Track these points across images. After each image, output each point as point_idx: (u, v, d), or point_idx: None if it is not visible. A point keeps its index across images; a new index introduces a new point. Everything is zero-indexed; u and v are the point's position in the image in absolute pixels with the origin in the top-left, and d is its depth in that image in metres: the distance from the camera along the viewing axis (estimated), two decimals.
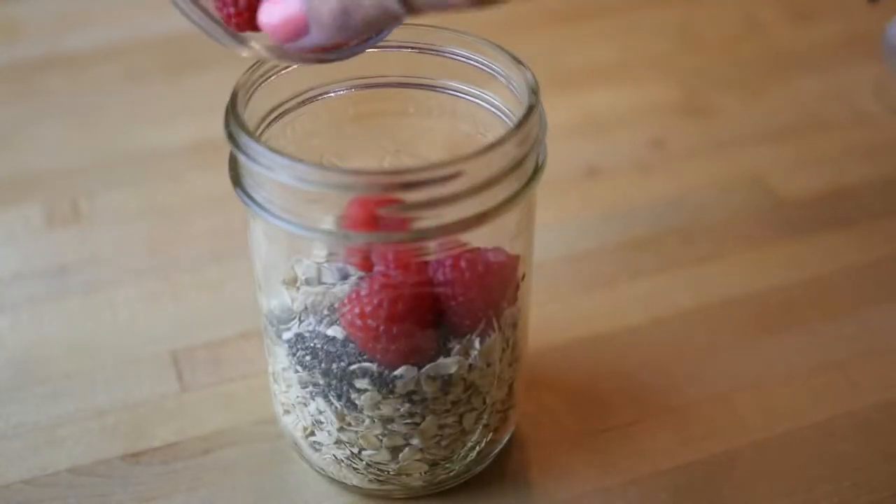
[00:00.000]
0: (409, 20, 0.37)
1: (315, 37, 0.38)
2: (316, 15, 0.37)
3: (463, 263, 0.46)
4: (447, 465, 0.51)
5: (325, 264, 0.49)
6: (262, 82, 0.48)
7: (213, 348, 0.60)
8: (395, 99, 0.51)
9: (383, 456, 0.50)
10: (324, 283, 0.48)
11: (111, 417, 0.56)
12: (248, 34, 0.43)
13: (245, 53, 0.43)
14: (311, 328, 0.48)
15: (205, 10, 0.42)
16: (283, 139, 0.50)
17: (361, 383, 0.47)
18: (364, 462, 0.50)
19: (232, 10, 0.42)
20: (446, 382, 0.48)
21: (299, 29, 0.37)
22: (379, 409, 0.48)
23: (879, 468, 0.54)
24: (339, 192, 0.43)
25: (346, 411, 0.48)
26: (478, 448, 0.51)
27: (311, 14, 0.37)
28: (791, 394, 0.58)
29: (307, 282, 0.49)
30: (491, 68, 0.49)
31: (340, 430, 0.49)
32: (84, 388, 0.58)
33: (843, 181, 0.72)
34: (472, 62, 0.49)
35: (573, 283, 0.64)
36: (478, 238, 0.46)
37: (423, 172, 0.43)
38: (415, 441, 0.49)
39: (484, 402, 0.50)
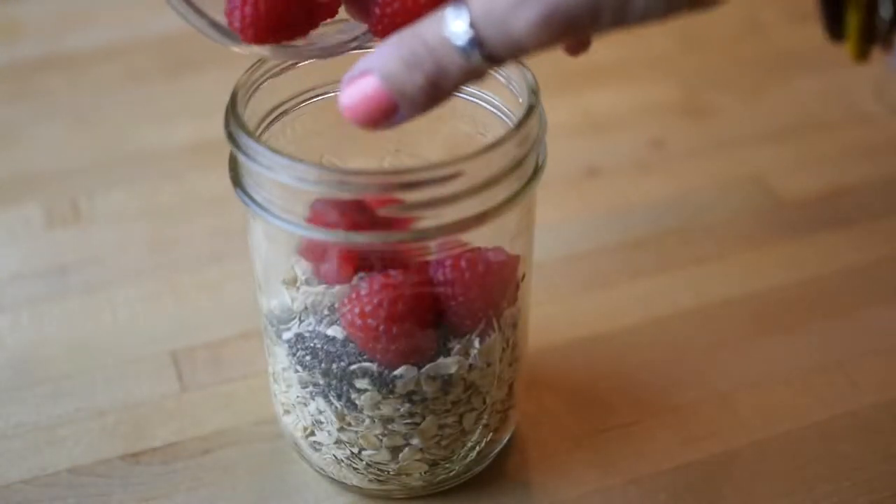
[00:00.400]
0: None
1: (406, 114, 0.37)
2: (403, 93, 0.36)
3: (463, 263, 0.46)
4: (447, 465, 0.51)
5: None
6: (262, 82, 0.48)
7: (213, 348, 0.60)
8: None
9: (383, 456, 0.50)
10: (324, 283, 0.48)
11: (111, 417, 0.56)
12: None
13: (238, 49, 0.43)
14: (311, 328, 0.48)
15: (197, 9, 0.42)
16: (283, 139, 0.50)
17: (361, 383, 0.47)
18: (364, 462, 0.50)
19: (237, 23, 0.42)
20: (446, 382, 0.48)
21: (388, 110, 0.37)
22: (379, 409, 0.48)
23: (879, 468, 0.54)
24: (339, 192, 0.43)
25: (346, 411, 0.48)
26: (478, 448, 0.51)
27: (396, 93, 0.36)
28: (791, 394, 0.58)
29: (307, 282, 0.49)
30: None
31: (340, 430, 0.49)
32: (84, 388, 0.58)
33: (843, 181, 0.72)
34: None
35: (573, 283, 0.64)
36: (478, 238, 0.46)
37: (423, 172, 0.43)
38: (415, 441, 0.49)
39: (484, 402, 0.50)
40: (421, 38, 0.36)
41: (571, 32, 0.34)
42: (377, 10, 0.42)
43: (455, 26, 0.35)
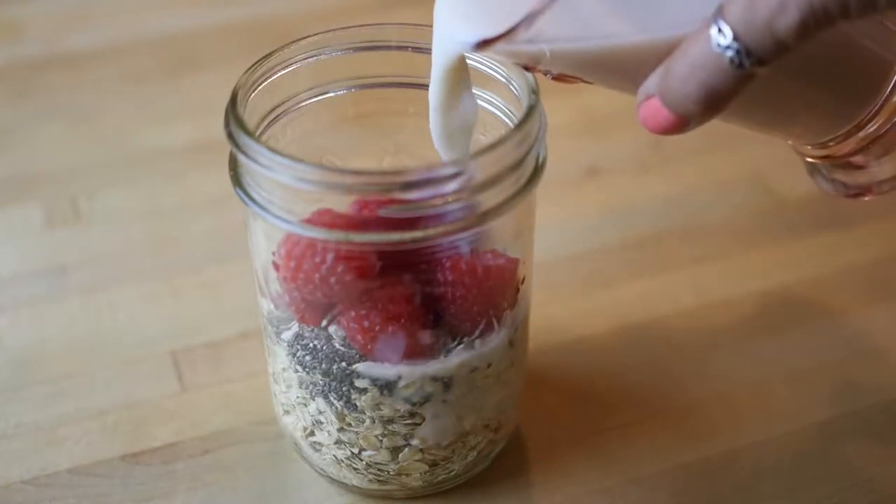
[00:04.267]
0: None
1: (696, 124, 0.41)
2: (686, 110, 0.40)
3: (463, 266, 0.46)
4: (447, 465, 0.51)
5: None
6: (262, 82, 0.48)
7: (213, 348, 0.60)
8: (395, 99, 0.51)
9: (383, 456, 0.50)
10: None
11: (111, 417, 0.56)
12: None
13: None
14: (310, 328, 0.48)
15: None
16: (283, 139, 0.50)
17: (362, 383, 0.47)
18: (364, 462, 0.50)
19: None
20: (447, 383, 0.48)
21: (677, 125, 0.41)
22: (379, 409, 0.48)
23: (879, 468, 0.54)
24: (339, 192, 0.43)
25: (346, 411, 0.48)
26: (478, 448, 0.51)
27: (679, 111, 0.40)
28: (791, 394, 0.58)
29: None
30: (491, 68, 0.49)
31: (340, 430, 0.49)
32: (84, 388, 0.58)
33: None
34: (472, 62, 0.49)
35: (573, 283, 0.64)
36: (478, 238, 0.46)
37: (423, 172, 0.43)
38: (415, 441, 0.49)
39: (484, 403, 0.50)
40: (691, 59, 0.39)
41: (827, 25, 0.37)
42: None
43: (721, 41, 0.38)
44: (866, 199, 0.48)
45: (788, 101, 0.45)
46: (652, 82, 0.40)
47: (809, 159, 0.49)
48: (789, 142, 0.49)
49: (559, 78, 0.45)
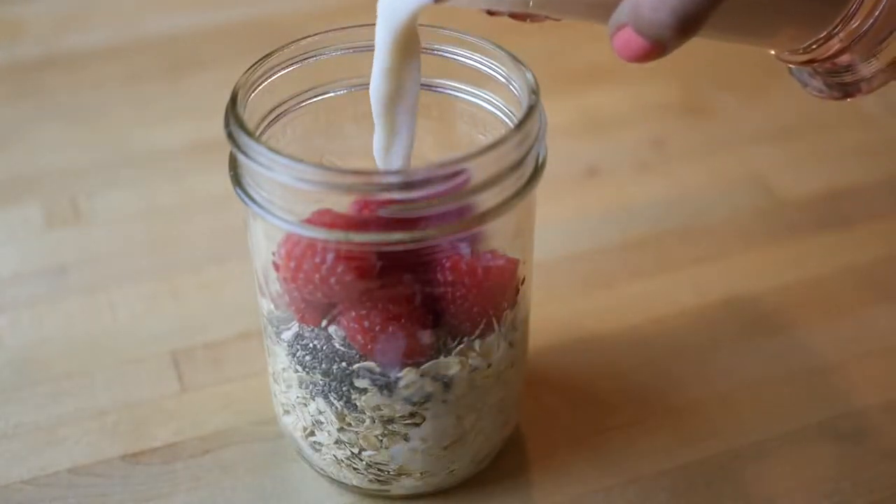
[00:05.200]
0: None
1: (671, 49, 0.40)
2: (660, 38, 0.39)
3: (463, 266, 0.46)
4: (447, 465, 0.51)
5: None
6: (262, 82, 0.48)
7: (213, 348, 0.60)
8: None
9: (383, 456, 0.50)
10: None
11: (111, 417, 0.56)
12: None
13: None
14: (310, 328, 0.48)
15: None
16: (283, 139, 0.50)
17: (362, 383, 0.47)
18: (364, 462, 0.50)
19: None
20: (447, 383, 0.48)
21: (652, 52, 0.40)
22: (379, 409, 0.48)
23: (879, 468, 0.54)
24: (339, 192, 0.43)
25: (346, 411, 0.48)
26: (478, 448, 0.51)
27: (653, 39, 0.39)
28: (791, 394, 0.58)
29: None
30: (491, 68, 0.49)
31: (340, 430, 0.49)
32: (84, 388, 0.58)
33: (843, 181, 0.72)
34: (472, 62, 0.49)
35: (573, 283, 0.64)
36: (478, 238, 0.46)
37: (423, 172, 0.43)
38: (415, 441, 0.49)
39: (484, 403, 0.50)
40: None
41: None
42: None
43: None
44: (855, 98, 0.47)
45: (765, 11, 0.44)
46: (623, 12, 0.39)
47: (793, 66, 0.48)
48: (772, 51, 0.48)
49: (520, 17, 0.45)
